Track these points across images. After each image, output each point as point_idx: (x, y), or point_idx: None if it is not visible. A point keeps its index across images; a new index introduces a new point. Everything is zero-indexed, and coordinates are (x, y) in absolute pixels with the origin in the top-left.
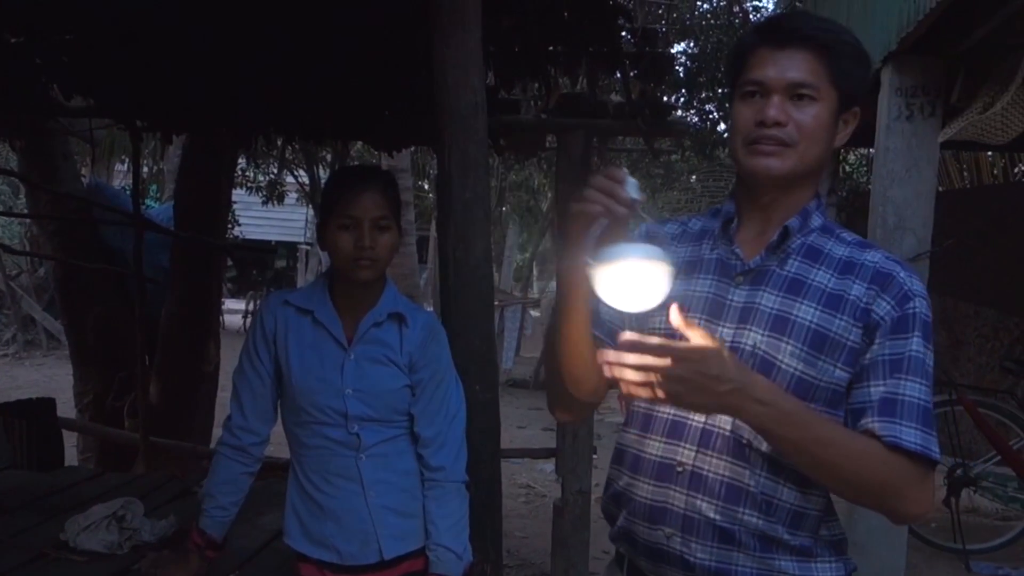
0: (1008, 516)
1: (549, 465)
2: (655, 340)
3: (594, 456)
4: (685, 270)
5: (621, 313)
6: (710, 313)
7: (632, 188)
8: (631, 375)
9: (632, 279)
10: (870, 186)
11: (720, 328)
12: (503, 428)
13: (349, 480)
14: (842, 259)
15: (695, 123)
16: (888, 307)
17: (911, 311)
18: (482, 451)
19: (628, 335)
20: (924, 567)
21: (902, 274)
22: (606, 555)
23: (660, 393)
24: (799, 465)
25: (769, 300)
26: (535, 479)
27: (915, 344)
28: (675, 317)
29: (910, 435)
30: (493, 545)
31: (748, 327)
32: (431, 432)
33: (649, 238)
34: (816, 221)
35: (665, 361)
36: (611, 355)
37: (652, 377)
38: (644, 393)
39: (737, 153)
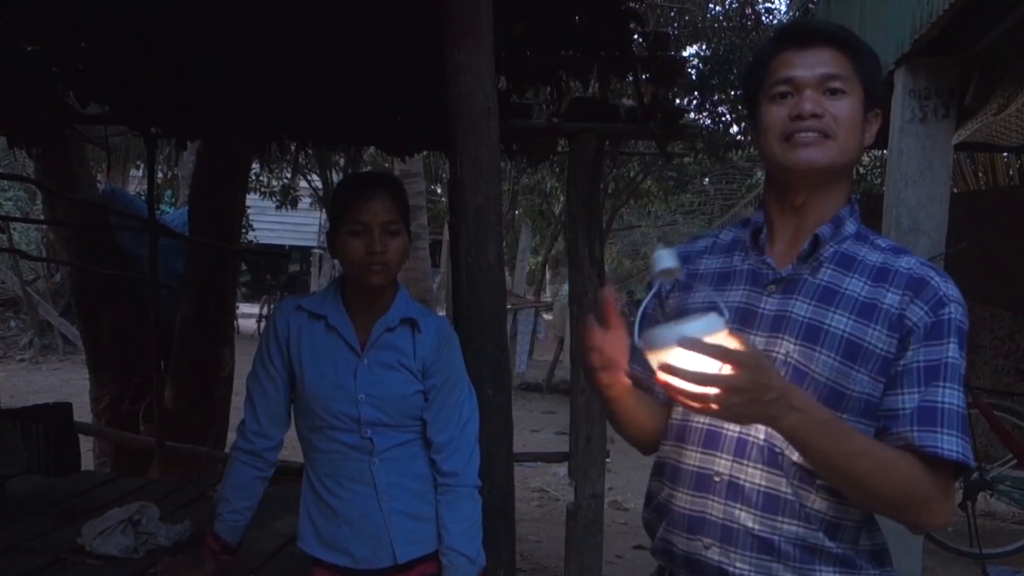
0: None
1: (562, 469)
2: (716, 344)
3: (607, 460)
4: (717, 282)
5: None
6: (741, 322)
7: (664, 260)
8: (687, 387)
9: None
10: (884, 188)
11: (752, 337)
12: (516, 432)
13: (362, 484)
14: (876, 266)
15: (708, 126)
16: (922, 312)
17: (946, 317)
18: (495, 455)
19: (688, 341)
20: (940, 571)
21: (936, 279)
22: (619, 559)
23: (713, 405)
24: (828, 477)
25: (801, 309)
26: (548, 483)
27: (951, 351)
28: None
29: (951, 444)
30: (506, 549)
31: (780, 336)
32: (443, 437)
33: (681, 260)
34: (850, 228)
35: (725, 370)
36: (667, 371)
37: (709, 389)
38: (696, 406)
39: (774, 152)
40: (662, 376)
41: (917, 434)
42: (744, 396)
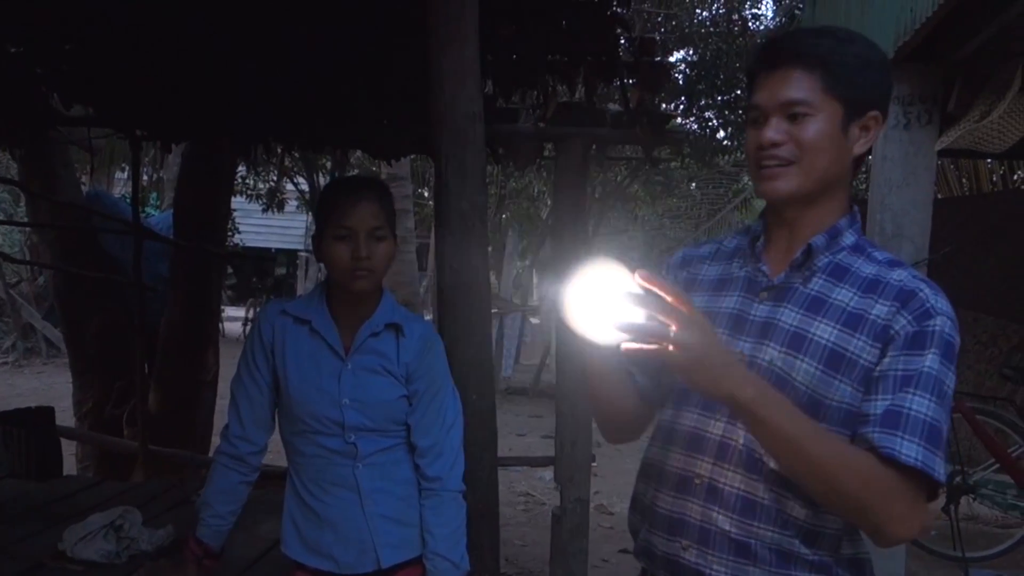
0: (1007, 523)
1: (548, 473)
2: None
3: (593, 464)
4: (715, 288)
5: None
6: (733, 328)
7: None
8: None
9: (600, 304)
10: (868, 194)
11: (741, 343)
12: (502, 436)
13: (346, 489)
14: (868, 278)
15: (694, 131)
16: (905, 322)
17: (930, 328)
18: (479, 459)
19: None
20: (923, 575)
21: (926, 291)
22: (605, 563)
23: (671, 346)
24: (787, 461)
25: (789, 317)
26: (534, 487)
27: (930, 360)
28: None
29: (909, 449)
30: (490, 553)
31: (766, 343)
32: (427, 442)
33: (684, 262)
34: (848, 239)
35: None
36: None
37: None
38: (655, 345)
39: (752, 178)
40: (619, 321)
41: (877, 435)
42: (698, 332)
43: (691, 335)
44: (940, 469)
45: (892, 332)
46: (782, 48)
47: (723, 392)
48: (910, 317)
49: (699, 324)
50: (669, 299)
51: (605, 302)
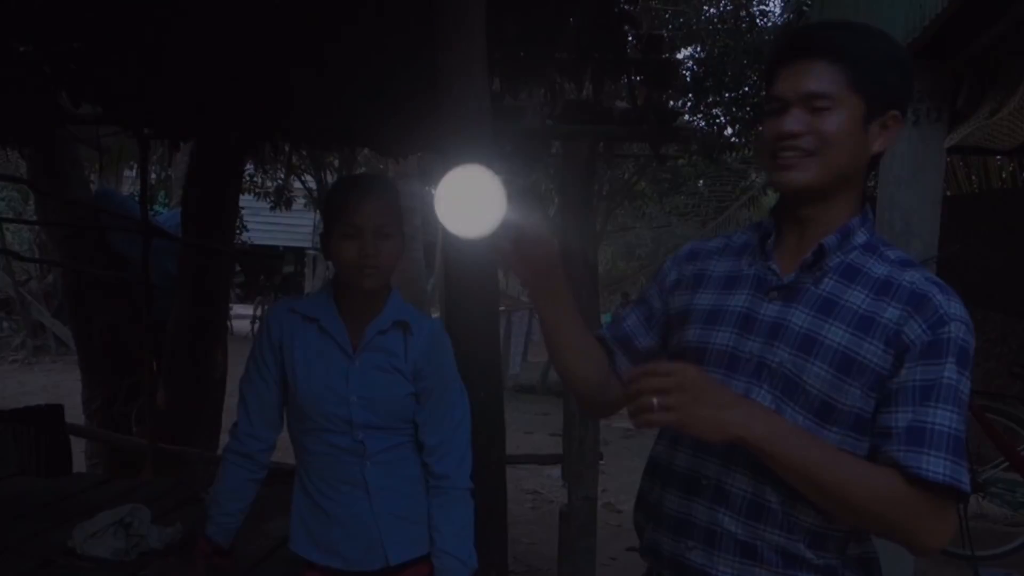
0: (1017, 522)
1: (556, 471)
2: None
3: (600, 462)
4: (724, 285)
5: (642, 327)
6: (741, 327)
7: None
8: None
9: (468, 200)
10: (877, 191)
11: (750, 342)
12: (510, 433)
13: (354, 487)
14: (880, 279)
15: (702, 127)
16: (920, 330)
17: (945, 336)
18: (486, 457)
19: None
20: (933, 573)
21: (939, 296)
22: (613, 561)
23: (667, 412)
24: (805, 489)
25: (800, 318)
26: (542, 485)
27: (948, 371)
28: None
29: (937, 465)
30: (498, 551)
31: (776, 344)
32: (435, 440)
33: (692, 256)
34: (860, 239)
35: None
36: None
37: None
38: (655, 417)
39: (766, 169)
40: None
41: (903, 454)
42: (683, 394)
43: (675, 398)
44: (967, 479)
45: (906, 340)
46: (807, 39)
47: (731, 436)
48: (924, 325)
49: (684, 385)
50: (644, 375)
51: (473, 199)
